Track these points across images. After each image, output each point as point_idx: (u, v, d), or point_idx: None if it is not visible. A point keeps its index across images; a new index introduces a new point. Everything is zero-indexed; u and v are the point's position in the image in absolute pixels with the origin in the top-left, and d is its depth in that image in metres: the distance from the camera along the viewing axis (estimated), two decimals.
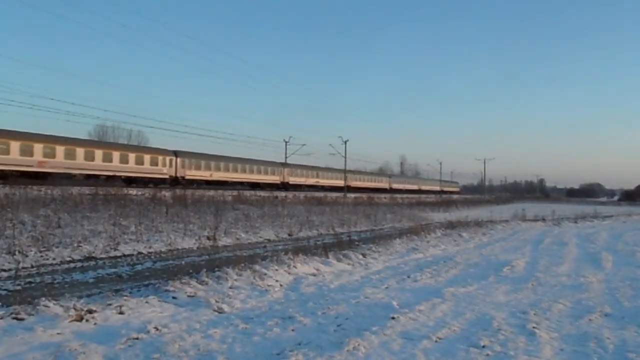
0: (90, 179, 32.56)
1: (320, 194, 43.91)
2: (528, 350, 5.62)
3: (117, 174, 35.68)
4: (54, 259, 10.66)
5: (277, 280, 9.18)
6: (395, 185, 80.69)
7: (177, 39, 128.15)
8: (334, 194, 47.57)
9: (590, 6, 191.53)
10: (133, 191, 25.67)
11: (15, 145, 29.74)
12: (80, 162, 33.35)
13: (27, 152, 30.40)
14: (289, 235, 18.27)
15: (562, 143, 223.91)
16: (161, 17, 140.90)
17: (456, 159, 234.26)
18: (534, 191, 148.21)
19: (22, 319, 5.78)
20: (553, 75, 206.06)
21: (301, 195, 40.38)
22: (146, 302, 6.98)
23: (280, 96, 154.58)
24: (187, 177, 41.86)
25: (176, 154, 41.66)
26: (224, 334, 5.89)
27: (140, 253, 12.30)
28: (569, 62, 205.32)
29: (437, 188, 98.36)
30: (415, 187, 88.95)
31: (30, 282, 8.33)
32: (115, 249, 12.20)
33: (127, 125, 73.33)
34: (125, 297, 7.02)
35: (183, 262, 11.10)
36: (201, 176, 43.42)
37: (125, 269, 10.15)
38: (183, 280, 8.12)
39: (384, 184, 78.27)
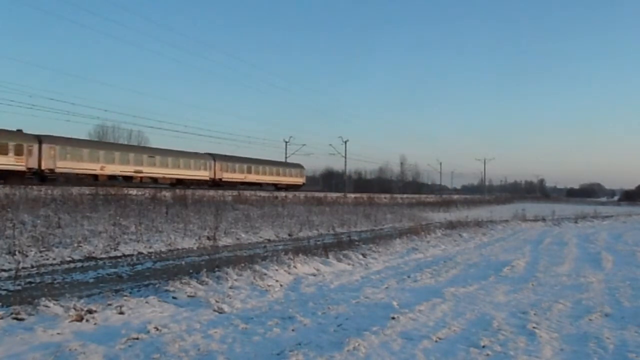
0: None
1: (321, 194, 43.83)
2: (528, 351, 5.62)
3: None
4: (54, 259, 10.66)
5: (277, 280, 9.17)
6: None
7: (177, 39, 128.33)
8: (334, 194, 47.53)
9: (589, 6, 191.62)
10: (133, 191, 25.72)
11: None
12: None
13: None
14: (289, 235, 18.27)
15: (562, 143, 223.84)
16: (161, 16, 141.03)
17: (456, 159, 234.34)
18: (534, 191, 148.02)
19: (22, 319, 5.77)
20: (553, 75, 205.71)
21: (301, 195, 40.46)
22: (146, 302, 6.98)
23: (280, 96, 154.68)
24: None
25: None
26: (224, 334, 5.89)
27: (140, 253, 12.30)
28: (569, 62, 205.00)
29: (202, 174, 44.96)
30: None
31: (30, 282, 8.33)
32: (116, 249, 12.21)
33: (127, 125, 73.59)
34: (125, 297, 7.02)
35: (183, 262, 11.10)
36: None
37: (125, 269, 10.15)
38: (183, 280, 8.12)
39: None
